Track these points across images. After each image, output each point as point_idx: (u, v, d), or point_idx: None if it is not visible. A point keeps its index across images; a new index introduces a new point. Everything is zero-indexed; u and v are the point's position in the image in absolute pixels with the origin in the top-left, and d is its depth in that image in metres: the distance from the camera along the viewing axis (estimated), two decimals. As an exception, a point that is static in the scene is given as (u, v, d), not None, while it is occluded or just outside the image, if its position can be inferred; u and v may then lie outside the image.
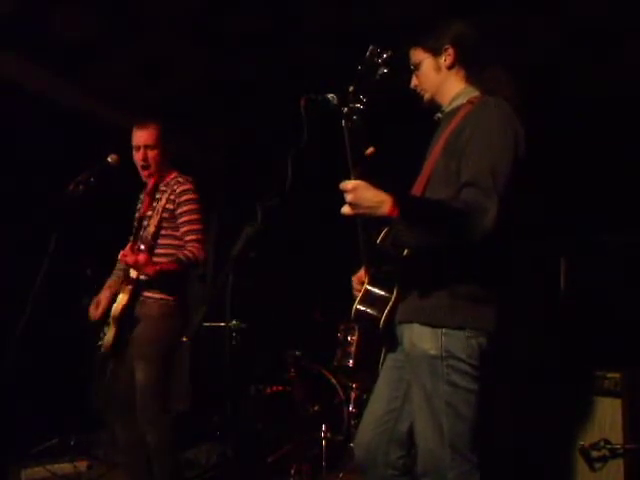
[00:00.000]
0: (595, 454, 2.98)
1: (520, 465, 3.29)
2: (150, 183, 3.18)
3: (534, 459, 3.22)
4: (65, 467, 3.74)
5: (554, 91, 4.11)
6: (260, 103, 4.76)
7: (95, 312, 3.10)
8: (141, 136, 3.10)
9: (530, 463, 3.23)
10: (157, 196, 3.13)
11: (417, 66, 2.09)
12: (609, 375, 3.09)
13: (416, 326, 1.91)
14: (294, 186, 2.01)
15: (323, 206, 5.15)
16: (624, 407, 2.96)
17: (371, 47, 1.89)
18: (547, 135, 3.67)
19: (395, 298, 1.98)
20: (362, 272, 2.17)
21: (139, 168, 3.14)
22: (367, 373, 3.72)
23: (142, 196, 3.28)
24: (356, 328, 3.94)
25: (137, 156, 3.11)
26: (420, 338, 1.89)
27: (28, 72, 4.26)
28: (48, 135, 4.25)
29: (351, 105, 1.82)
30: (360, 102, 1.82)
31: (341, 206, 1.90)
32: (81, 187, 2.91)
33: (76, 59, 4.21)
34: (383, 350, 2.12)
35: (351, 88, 1.84)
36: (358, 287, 2.15)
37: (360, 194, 1.76)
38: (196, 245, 3.03)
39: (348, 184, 1.77)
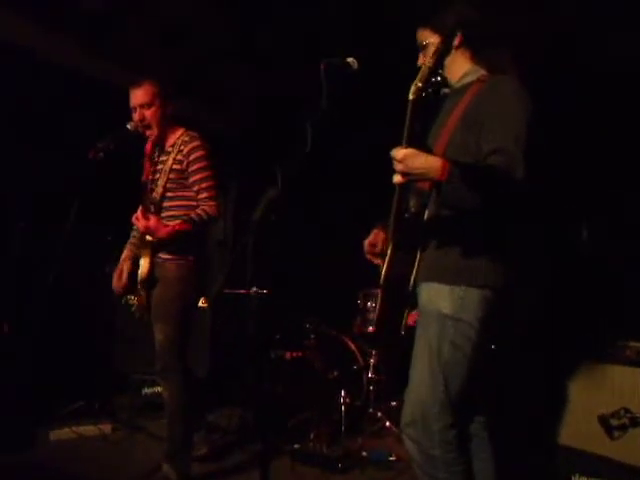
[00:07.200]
0: (615, 422, 2.96)
1: (539, 433, 3.31)
2: (148, 146, 3.14)
3: (553, 427, 3.23)
4: (90, 429, 3.82)
5: (570, 62, 3.98)
6: (278, 68, 4.69)
7: (119, 283, 3.12)
8: (136, 96, 3.06)
9: (549, 431, 3.24)
10: (162, 158, 3.11)
11: (424, 46, 2.16)
12: (631, 344, 3.09)
13: (435, 284, 2.01)
14: (313, 152, 2.08)
15: (343, 173, 5.25)
16: (645, 376, 2.94)
17: None
18: (563, 108, 3.62)
19: (419, 260, 2.05)
20: (374, 236, 2.29)
21: (142, 130, 3.08)
22: (389, 337, 3.72)
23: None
24: (378, 293, 3.91)
25: (135, 117, 3.06)
26: (437, 295, 1.99)
27: (46, 40, 4.23)
28: (67, 103, 4.24)
29: (430, 79, 1.82)
30: (439, 76, 1.85)
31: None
32: (101, 154, 2.94)
33: (93, 26, 4.17)
34: (405, 313, 2.15)
35: (430, 62, 1.84)
36: (370, 250, 2.27)
37: (411, 162, 1.80)
38: (210, 203, 3.02)
39: (398, 153, 1.80)
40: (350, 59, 2.25)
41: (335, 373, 3.89)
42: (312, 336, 4.18)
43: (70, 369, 4.09)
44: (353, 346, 4.07)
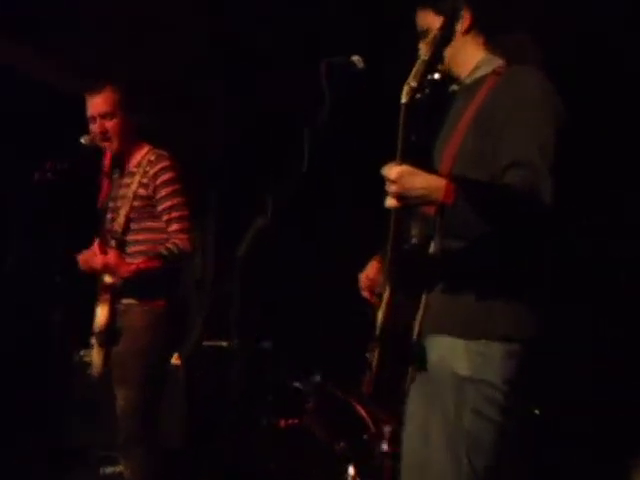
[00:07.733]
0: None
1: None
2: (106, 161, 2.95)
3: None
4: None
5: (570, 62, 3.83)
6: (267, 74, 4.55)
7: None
8: (95, 105, 2.87)
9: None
10: (125, 181, 2.94)
11: (426, 32, 1.95)
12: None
13: (446, 339, 1.83)
14: (311, 170, 1.98)
15: (343, 197, 4.99)
16: None
17: None
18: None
19: (424, 304, 1.88)
20: (371, 269, 2.12)
21: (100, 143, 2.90)
22: (389, 399, 3.38)
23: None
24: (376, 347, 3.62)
25: (95, 129, 2.88)
26: (451, 352, 1.81)
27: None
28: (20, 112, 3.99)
29: (427, 77, 1.64)
30: (437, 72, 1.67)
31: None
32: (49, 174, 2.85)
33: (49, 28, 3.98)
34: (410, 369, 1.98)
35: (426, 55, 1.66)
36: (367, 285, 2.11)
37: (408, 182, 1.63)
38: (181, 236, 2.83)
39: (391, 171, 1.62)
40: (355, 57, 2.11)
41: (341, 444, 3.51)
42: (312, 399, 3.77)
43: (14, 443, 3.82)
44: (363, 411, 3.62)
